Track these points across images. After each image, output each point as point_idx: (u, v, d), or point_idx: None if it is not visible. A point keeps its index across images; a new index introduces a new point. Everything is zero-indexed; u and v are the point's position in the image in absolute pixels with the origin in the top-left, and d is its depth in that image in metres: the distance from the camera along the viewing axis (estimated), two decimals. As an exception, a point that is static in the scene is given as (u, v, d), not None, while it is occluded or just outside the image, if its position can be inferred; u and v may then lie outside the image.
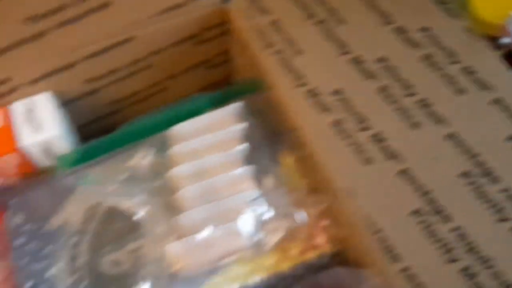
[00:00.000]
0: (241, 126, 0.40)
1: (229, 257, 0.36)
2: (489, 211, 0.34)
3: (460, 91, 0.38)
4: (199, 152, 0.39)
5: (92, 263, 0.41)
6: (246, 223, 0.35)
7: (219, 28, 0.48)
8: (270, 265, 0.40)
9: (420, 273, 0.34)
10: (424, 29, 0.41)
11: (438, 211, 0.34)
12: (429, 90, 0.38)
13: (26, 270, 0.41)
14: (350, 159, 0.37)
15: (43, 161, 0.46)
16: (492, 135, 0.36)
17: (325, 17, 0.42)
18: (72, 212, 0.43)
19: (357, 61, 0.40)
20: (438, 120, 0.37)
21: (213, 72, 0.54)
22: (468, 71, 0.39)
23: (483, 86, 0.38)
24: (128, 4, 0.43)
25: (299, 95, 0.40)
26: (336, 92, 0.39)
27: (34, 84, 0.45)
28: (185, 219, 0.36)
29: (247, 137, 0.41)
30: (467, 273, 0.32)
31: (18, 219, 0.43)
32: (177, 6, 0.46)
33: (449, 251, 0.33)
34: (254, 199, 0.37)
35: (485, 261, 0.32)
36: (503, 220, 0.33)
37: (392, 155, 0.37)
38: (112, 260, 0.41)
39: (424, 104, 0.38)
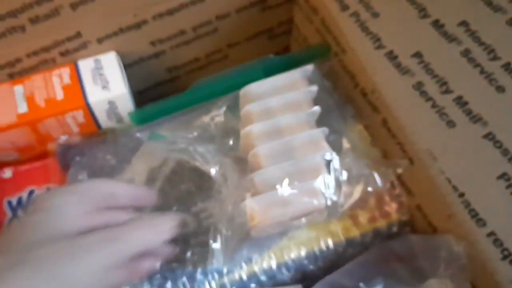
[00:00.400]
0: (313, 88, 0.39)
1: (305, 217, 0.35)
2: None
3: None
4: (272, 112, 0.39)
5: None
6: (322, 184, 0.34)
7: (287, -8, 0.48)
8: (338, 231, 0.40)
9: (507, 239, 0.32)
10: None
11: (528, 175, 0.33)
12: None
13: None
14: (432, 122, 0.36)
15: (105, 121, 0.45)
16: None
17: (402, -20, 0.41)
18: (137, 171, 0.42)
19: (437, 25, 0.39)
20: (526, 84, 0.36)
21: (273, 43, 0.53)
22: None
23: None
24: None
25: (378, 58, 0.39)
26: (416, 54, 0.38)
27: (102, 42, 0.44)
28: (260, 177, 0.35)
29: (319, 99, 0.40)
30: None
31: (81, 177, 0.43)
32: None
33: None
34: (329, 161, 0.36)
35: None
36: None
37: (476, 119, 0.35)
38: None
39: (511, 68, 0.36)
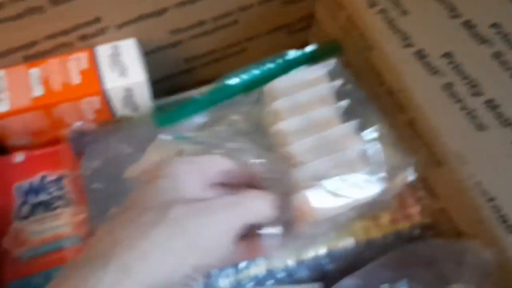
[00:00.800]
0: (337, 82, 0.38)
1: (350, 210, 0.34)
2: None
3: None
4: (300, 107, 0.37)
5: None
6: (365, 176, 0.34)
7: (311, -13, 0.47)
8: (359, 231, 0.39)
9: (537, 246, 0.32)
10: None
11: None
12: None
13: (104, 215, 0.39)
14: (462, 124, 0.35)
15: (120, 109, 0.44)
16: None
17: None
18: (150, 161, 0.41)
19: (468, 25, 0.38)
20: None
21: (292, 38, 0.52)
22: None
23: None
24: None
25: (407, 56, 0.38)
26: (446, 55, 0.37)
27: (121, 28, 0.43)
28: (304, 172, 0.34)
29: (345, 93, 0.39)
30: None
31: (95, 164, 0.42)
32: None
33: None
34: (366, 153, 0.35)
35: None
36: None
37: (507, 123, 0.35)
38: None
39: (544, 72, 0.36)
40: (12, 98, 0.40)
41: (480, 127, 0.35)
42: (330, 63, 0.40)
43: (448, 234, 0.38)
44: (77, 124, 0.43)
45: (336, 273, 0.38)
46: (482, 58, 0.37)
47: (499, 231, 0.32)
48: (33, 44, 0.42)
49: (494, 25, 0.38)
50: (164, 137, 0.39)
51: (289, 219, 0.34)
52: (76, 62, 0.42)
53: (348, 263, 0.38)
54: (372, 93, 0.42)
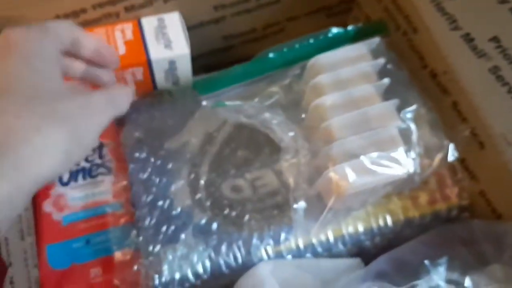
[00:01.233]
0: (381, 60, 0.39)
1: (386, 187, 0.34)
2: None
3: None
4: (342, 83, 0.38)
5: (214, 185, 0.39)
6: (401, 153, 0.34)
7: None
8: (397, 209, 0.39)
9: None
10: None
11: None
12: None
13: (146, 184, 0.40)
14: (508, 107, 0.35)
15: (162, 82, 0.45)
16: None
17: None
18: (193, 133, 0.42)
19: (517, 11, 0.38)
20: None
21: (331, 21, 0.53)
22: None
23: None
24: None
25: (454, 39, 0.38)
26: (494, 39, 0.37)
27: (167, 1, 0.44)
28: (340, 147, 0.34)
29: (388, 71, 0.39)
30: None
31: (138, 133, 0.42)
32: None
33: None
34: (405, 131, 0.35)
35: None
36: None
37: (553, 107, 0.35)
38: (233, 185, 0.40)
39: None
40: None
41: (527, 110, 0.35)
42: (374, 42, 0.40)
43: (485, 217, 0.38)
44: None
45: (373, 250, 0.38)
46: (530, 43, 0.37)
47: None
48: (82, 11, 0.42)
49: (542, 12, 0.38)
50: (204, 103, 0.40)
51: (319, 193, 0.35)
52: (122, 33, 0.43)
53: (386, 241, 0.38)
54: (414, 75, 0.42)
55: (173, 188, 0.40)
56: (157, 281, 0.36)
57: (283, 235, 0.37)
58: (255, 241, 0.37)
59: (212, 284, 0.37)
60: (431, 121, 0.37)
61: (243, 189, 0.39)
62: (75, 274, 0.37)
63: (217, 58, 0.52)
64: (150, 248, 0.36)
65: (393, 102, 0.36)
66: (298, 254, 0.37)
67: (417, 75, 0.42)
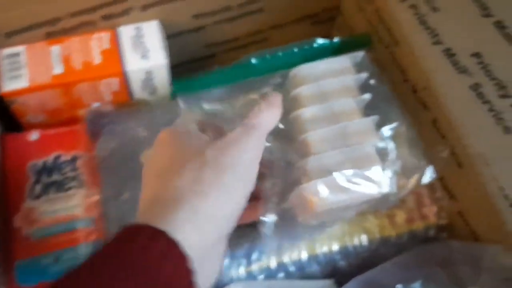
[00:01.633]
0: (363, 75, 0.37)
1: (360, 205, 0.33)
2: None
3: None
4: (323, 96, 0.36)
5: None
6: (377, 172, 0.33)
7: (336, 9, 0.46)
8: (373, 228, 0.38)
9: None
10: None
11: None
12: None
13: (119, 197, 0.39)
14: (487, 126, 0.34)
15: (139, 92, 0.44)
16: None
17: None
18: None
19: (500, 25, 0.37)
20: None
21: (316, 29, 0.52)
22: None
23: None
24: None
25: (435, 54, 0.37)
26: (476, 54, 0.36)
27: (146, 10, 0.43)
28: (316, 162, 0.33)
29: (370, 86, 0.38)
30: None
31: (110, 146, 0.41)
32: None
33: None
34: (383, 150, 0.34)
35: None
36: None
37: (534, 127, 0.34)
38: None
39: None
40: (31, 75, 0.40)
41: (507, 130, 0.34)
42: (358, 55, 0.39)
43: (463, 237, 0.37)
44: (95, 105, 0.43)
45: (348, 270, 0.37)
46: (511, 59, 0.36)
47: (520, 236, 0.32)
48: (56, 20, 0.41)
49: (526, 27, 0.37)
50: (182, 105, 0.39)
51: (292, 207, 0.34)
52: (98, 42, 0.42)
53: (361, 261, 0.38)
54: (395, 89, 0.41)
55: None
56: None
57: (255, 254, 0.36)
58: (226, 260, 0.36)
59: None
60: (411, 139, 0.36)
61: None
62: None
63: (199, 66, 0.51)
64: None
65: (373, 119, 0.35)
66: (270, 274, 0.36)
67: (399, 89, 0.40)
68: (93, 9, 0.41)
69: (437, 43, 0.37)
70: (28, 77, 0.40)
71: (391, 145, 0.35)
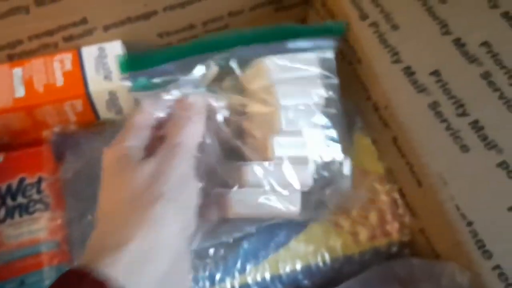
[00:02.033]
0: (323, 93, 0.36)
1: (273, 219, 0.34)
2: None
3: None
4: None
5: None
6: (302, 191, 0.33)
7: (303, -5, 0.46)
8: (336, 246, 0.38)
9: (513, 274, 0.31)
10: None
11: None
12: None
13: (80, 220, 0.39)
14: (445, 145, 0.35)
15: (104, 112, 0.44)
16: None
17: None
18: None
19: (458, 43, 0.37)
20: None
21: (281, 15, 0.50)
22: None
23: None
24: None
25: (395, 72, 0.37)
26: (434, 73, 0.37)
27: (108, 30, 0.43)
28: (249, 172, 0.33)
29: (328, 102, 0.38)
30: None
31: (75, 168, 0.41)
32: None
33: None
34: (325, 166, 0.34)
35: None
36: None
37: (491, 145, 0.34)
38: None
39: (531, 95, 0.35)
40: (-7, 98, 0.40)
41: (464, 148, 0.34)
42: (327, 59, 0.37)
43: (425, 254, 0.37)
44: (59, 126, 0.43)
45: (312, 289, 0.37)
46: (470, 77, 0.36)
47: (475, 255, 0.32)
48: (18, 43, 0.41)
49: (484, 44, 0.37)
50: (124, 82, 0.38)
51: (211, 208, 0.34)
52: (60, 63, 0.42)
53: (325, 280, 0.38)
54: (359, 107, 0.42)
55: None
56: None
57: (218, 275, 0.37)
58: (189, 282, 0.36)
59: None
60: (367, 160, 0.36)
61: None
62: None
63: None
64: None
65: (328, 133, 0.35)
66: (233, 295, 0.37)
67: (362, 106, 0.41)
68: (54, 31, 0.41)
69: (397, 61, 0.38)
70: (-10, 100, 0.40)
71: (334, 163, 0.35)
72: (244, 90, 0.36)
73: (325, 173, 0.35)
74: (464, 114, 0.35)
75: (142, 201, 0.28)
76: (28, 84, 0.41)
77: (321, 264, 0.38)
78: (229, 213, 0.33)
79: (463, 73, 0.36)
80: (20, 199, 0.41)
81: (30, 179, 0.41)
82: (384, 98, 0.38)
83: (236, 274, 0.37)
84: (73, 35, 0.42)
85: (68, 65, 0.42)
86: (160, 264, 0.27)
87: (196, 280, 0.36)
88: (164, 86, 0.34)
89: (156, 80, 0.35)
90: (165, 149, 0.30)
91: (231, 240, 0.38)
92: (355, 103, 0.42)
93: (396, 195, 0.39)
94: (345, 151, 0.36)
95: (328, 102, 0.36)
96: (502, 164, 0.33)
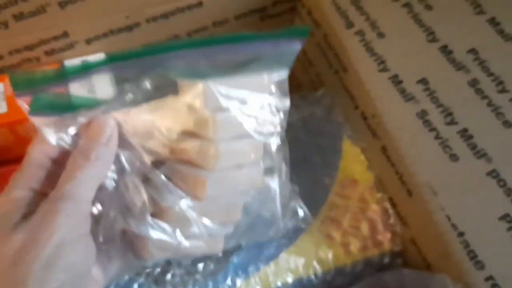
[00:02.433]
0: (275, 120, 0.30)
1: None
2: None
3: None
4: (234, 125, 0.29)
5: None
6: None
7: (288, 3, 0.46)
8: (328, 258, 0.38)
9: (506, 285, 0.31)
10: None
11: (533, 219, 0.32)
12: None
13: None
14: (434, 154, 0.34)
15: (90, 126, 0.43)
16: None
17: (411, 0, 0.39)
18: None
19: (445, 50, 0.37)
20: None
21: (267, 24, 0.50)
22: None
23: None
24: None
25: (382, 81, 0.37)
26: (422, 81, 0.36)
27: (90, 43, 0.42)
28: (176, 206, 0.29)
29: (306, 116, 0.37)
30: None
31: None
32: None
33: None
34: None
35: None
36: None
37: (480, 154, 0.34)
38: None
39: (519, 102, 0.35)
40: (-25, 114, 0.39)
41: (453, 157, 0.34)
42: (282, 83, 0.31)
43: (417, 264, 0.37)
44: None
45: (304, 303, 0.37)
46: (458, 85, 0.36)
47: (467, 266, 0.32)
48: (-3, 58, 0.40)
49: (471, 51, 0.37)
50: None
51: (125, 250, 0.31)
52: (43, 78, 0.41)
53: (317, 292, 0.37)
54: (347, 116, 0.41)
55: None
56: None
57: (208, 290, 0.36)
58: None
59: None
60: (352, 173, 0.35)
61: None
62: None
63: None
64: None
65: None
66: (223, 310, 0.36)
67: (350, 115, 0.40)
68: (34, 45, 0.40)
69: (384, 70, 0.37)
70: (-28, 117, 0.39)
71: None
72: (174, 114, 0.29)
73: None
74: (452, 122, 0.35)
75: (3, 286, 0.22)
76: (10, 99, 0.40)
77: (312, 276, 0.37)
78: (146, 256, 0.30)
79: (451, 80, 0.36)
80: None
81: (14, 197, 0.40)
82: (372, 107, 0.37)
83: (227, 289, 0.36)
84: (55, 49, 0.41)
85: (51, 80, 0.41)
86: None
87: (186, 295, 0.36)
88: (75, 107, 0.29)
89: (63, 98, 0.28)
90: (46, 206, 0.24)
91: (220, 254, 0.37)
92: (343, 112, 0.42)
93: (387, 205, 0.39)
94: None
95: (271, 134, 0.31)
96: (492, 173, 0.33)
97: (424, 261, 0.36)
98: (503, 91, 0.35)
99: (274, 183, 0.32)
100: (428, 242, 0.35)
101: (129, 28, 0.42)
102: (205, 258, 0.37)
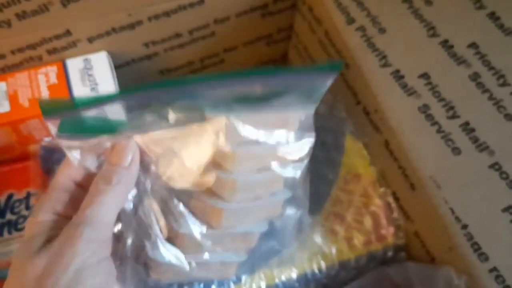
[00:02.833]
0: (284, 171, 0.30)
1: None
2: None
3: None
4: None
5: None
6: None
7: (289, 0, 0.46)
8: (331, 253, 0.38)
9: (510, 276, 0.31)
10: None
11: (536, 210, 0.32)
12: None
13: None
14: (437, 148, 0.34)
15: (92, 125, 0.43)
16: None
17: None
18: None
19: (446, 45, 0.37)
20: (535, 114, 0.35)
21: (271, 49, 0.51)
22: None
23: None
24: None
25: (384, 76, 0.37)
26: (424, 75, 0.37)
27: (92, 41, 0.42)
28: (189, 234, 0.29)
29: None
30: None
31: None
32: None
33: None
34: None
35: None
36: None
37: (482, 147, 0.34)
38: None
39: (520, 96, 0.35)
40: (-22, 114, 0.39)
41: (455, 151, 0.34)
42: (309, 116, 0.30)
43: (421, 258, 0.37)
44: (46, 140, 0.42)
45: (309, 297, 0.37)
46: (459, 79, 0.36)
47: (471, 259, 0.32)
48: (0, 57, 0.40)
49: (472, 45, 0.37)
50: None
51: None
52: (45, 77, 0.41)
53: (321, 287, 0.37)
54: (349, 112, 0.41)
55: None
56: None
57: (213, 287, 0.36)
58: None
59: None
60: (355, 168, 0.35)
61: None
62: None
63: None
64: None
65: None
66: (228, 304, 0.36)
67: (352, 111, 0.40)
68: (37, 44, 0.40)
69: (385, 65, 0.37)
70: (-25, 116, 0.39)
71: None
72: (196, 143, 0.28)
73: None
74: (454, 116, 0.35)
75: None
76: (13, 98, 0.40)
77: (317, 271, 0.38)
78: (159, 278, 0.31)
79: (452, 75, 0.36)
80: (9, 216, 0.40)
81: (18, 195, 0.41)
82: (374, 102, 0.37)
83: (232, 285, 0.37)
84: (57, 48, 0.41)
85: (53, 78, 0.41)
86: None
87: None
88: (102, 131, 0.28)
89: (92, 120, 0.28)
90: (68, 230, 0.24)
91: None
92: (345, 108, 0.42)
93: (390, 199, 0.39)
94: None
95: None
96: (495, 166, 0.33)
97: (428, 255, 0.36)
98: (504, 84, 0.36)
99: (293, 213, 0.33)
100: (432, 235, 0.35)
101: (131, 26, 0.42)
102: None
